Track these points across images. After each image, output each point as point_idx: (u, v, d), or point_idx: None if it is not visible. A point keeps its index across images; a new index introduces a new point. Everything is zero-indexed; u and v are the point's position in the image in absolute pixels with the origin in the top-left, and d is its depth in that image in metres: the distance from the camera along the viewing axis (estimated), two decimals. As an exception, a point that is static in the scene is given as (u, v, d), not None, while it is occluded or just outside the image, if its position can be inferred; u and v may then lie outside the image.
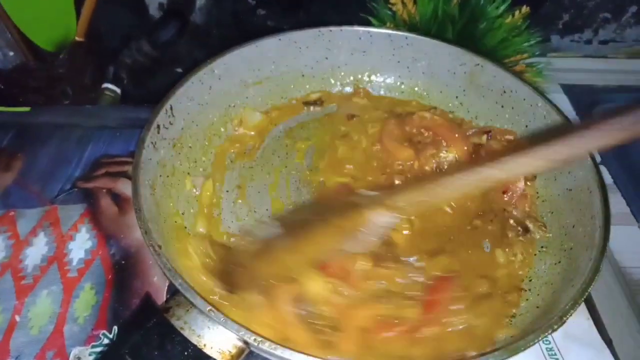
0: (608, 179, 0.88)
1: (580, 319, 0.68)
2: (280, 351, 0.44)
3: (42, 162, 0.85)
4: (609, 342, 0.66)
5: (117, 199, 0.79)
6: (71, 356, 0.62)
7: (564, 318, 0.48)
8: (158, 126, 0.65)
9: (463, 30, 0.95)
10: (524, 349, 0.46)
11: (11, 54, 1.03)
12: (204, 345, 0.47)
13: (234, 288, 0.54)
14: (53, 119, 0.93)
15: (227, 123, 0.78)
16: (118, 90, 1.05)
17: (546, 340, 0.65)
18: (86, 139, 0.89)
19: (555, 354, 0.63)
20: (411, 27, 0.97)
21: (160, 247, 0.52)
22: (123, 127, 0.91)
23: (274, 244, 0.59)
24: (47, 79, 1.04)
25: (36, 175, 0.83)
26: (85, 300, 0.67)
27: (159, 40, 1.06)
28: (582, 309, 0.69)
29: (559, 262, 0.61)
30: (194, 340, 0.47)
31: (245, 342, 0.47)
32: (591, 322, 0.68)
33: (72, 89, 1.05)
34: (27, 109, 0.95)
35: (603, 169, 0.89)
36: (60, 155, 0.86)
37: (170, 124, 0.68)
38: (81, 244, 0.73)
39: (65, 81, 1.04)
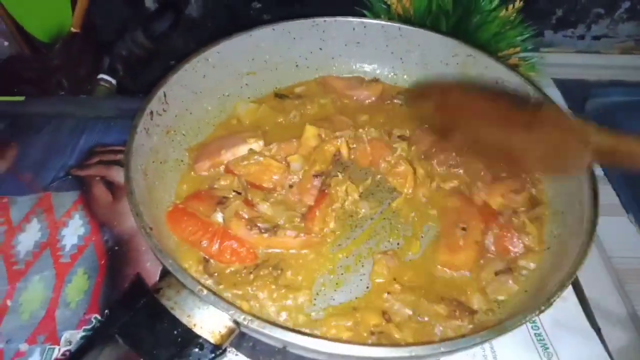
0: (599, 170, 0.88)
1: (569, 307, 0.68)
2: (268, 330, 0.45)
3: (36, 151, 0.85)
4: (597, 330, 0.67)
5: (111, 186, 0.79)
6: (62, 340, 0.62)
7: (551, 300, 0.49)
8: (151, 112, 0.65)
9: (457, 23, 0.95)
10: (511, 329, 0.47)
11: (6, 44, 1.03)
12: (194, 325, 0.47)
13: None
14: (47, 108, 0.94)
15: (221, 112, 0.78)
16: (113, 82, 1.05)
17: (535, 327, 0.65)
18: (80, 129, 0.89)
19: (544, 340, 0.64)
20: (405, 20, 0.97)
21: (151, 229, 0.52)
22: (117, 118, 0.91)
23: None
24: (42, 69, 1.04)
25: (30, 163, 0.83)
26: (78, 285, 0.67)
27: (154, 32, 1.07)
28: (572, 297, 0.69)
29: (548, 248, 0.62)
30: (184, 320, 0.47)
31: (236, 322, 0.47)
32: (580, 310, 0.68)
33: (67, 80, 1.05)
34: (21, 98, 0.95)
35: (594, 160, 0.89)
36: (54, 144, 0.86)
37: (164, 110, 0.68)
38: (74, 231, 0.73)
39: (60, 72, 1.04)
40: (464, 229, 0.63)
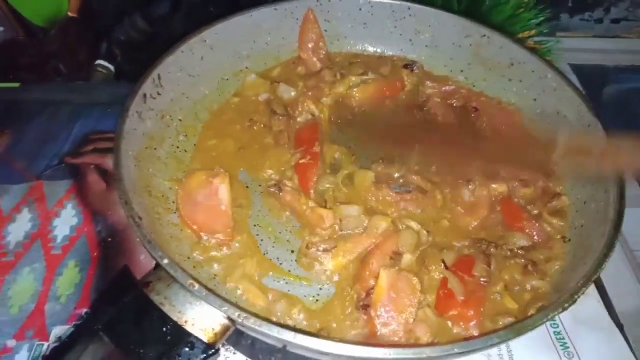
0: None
1: (590, 303, 0.64)
2: (265, 328, 0.41)
3: (29, 138, 0.82)
4: (620, 327, 0.63)
5: (105, 175, 0.75)
6: (52, 335, 0.59)
7: (576, 296, 0.44)
8: (144, 95, 0.61)
9: (469, 5, 0.91)
10: (531, 329, 0.43)
11: (1, 29, 1.00)
12: (185, 322, 0.43)
13: None
14: (42, 95, 0.90)
15: (219, 97, 0.74)
16: (111, 67, 1.02)
17: (554, 324, 0.61)
18: (76, 115, 0.86)
19: (564, 338, 0.60)
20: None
21: (140, 218, 0.48)
22: (114, 104, 0.88)
23: None
24: (38, 55, 1.01)
25: (23, 150, 0.80)
26: (69, 278, 0.64)
27: (153, 15, 1.03)
28: (593, 292, 0.65)
29: (569, 240, 0.57)
30: (174, 316, 0.43)
31: (230, 319, 0.44)
32: (602, 305, 0.64)
33: (64, 66, 1.02)
34: (16, 84, 0.92)
35: (615, 149, 0.85)
36: (49, 131, 0.83)
37: (158, 94, 0.64)
38: (66, 221, 0.70)
39: (57, 58, 1.01)
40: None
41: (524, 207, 0.60)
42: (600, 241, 0.50)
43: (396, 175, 0.63)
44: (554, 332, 0.60)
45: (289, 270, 0.57)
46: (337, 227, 0.57)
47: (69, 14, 1.00)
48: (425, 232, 0.58)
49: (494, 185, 0.60)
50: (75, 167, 0.77)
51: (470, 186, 0.60)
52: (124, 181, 0.51)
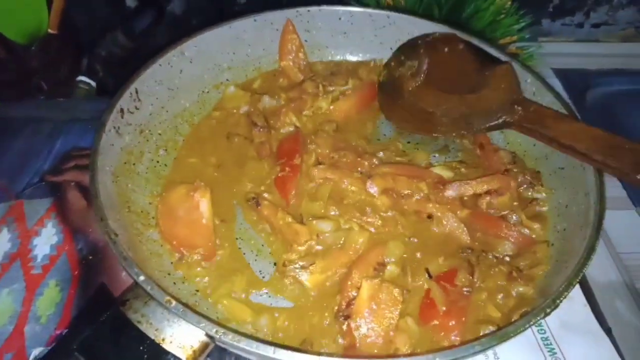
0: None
1: (577, 308, 0.64)
2: (244, 343, 0.40)
3: (9, 156, 0.81)
4: (608, 331, 0.62)
5: (86, 192, 0.74)
6: (31, 357, 0.57)
7: (558, 301, 0.44)
8: (122, 110, 0.61)
9: (450, 12, 0.91)
10: (514, 335, 0.42)
11: (-20, 47, 0.99)
12: (163, 339, 0.43)
13: None
14: (23, 112, 0.89)
15: (200, 110, 0.73)
16: (93, 84, 1.01)
17: (541, 330, 0.61)
18: (57, 132, 0.85)
19: (551, 344, 0.59)
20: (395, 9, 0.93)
21: (117, 235, 0.47)
22: (95, 120, 0.86)
23: None
24: (19, 72, 1.00)
25: (2, 169, 0.78)
26: (49, 298, 0.63)
27: (134, 31, 1.02)
28: (579, 296, 0.65)
29: (552, 244, 0.57)
30: (151, 334, 0.42)
31: (209, 336, 0.43)
32: (589, 309, 0.64)
33: (45, 83, 1.01)
34: (-5, 103, 0.91)
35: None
36: (29, 148, 0.82)
37: (137, 108, 0.64)
38: (47, 240, 0.69)
39: (38, 75, 1.00)
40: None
41: (502, 216, 0.60)
42: (582, 244, 0.50)
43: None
44: (542, 337, 0.60)
45: (271, 284, 0.56)
46: (314, 243, 0.56)
47: (49, 30, 0.99)
48: (412, 241, 0.57)
49: (454, 214, 0.59)
50: (56, 185, 0.76)
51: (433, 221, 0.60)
52: (99, 198, 0.51)
